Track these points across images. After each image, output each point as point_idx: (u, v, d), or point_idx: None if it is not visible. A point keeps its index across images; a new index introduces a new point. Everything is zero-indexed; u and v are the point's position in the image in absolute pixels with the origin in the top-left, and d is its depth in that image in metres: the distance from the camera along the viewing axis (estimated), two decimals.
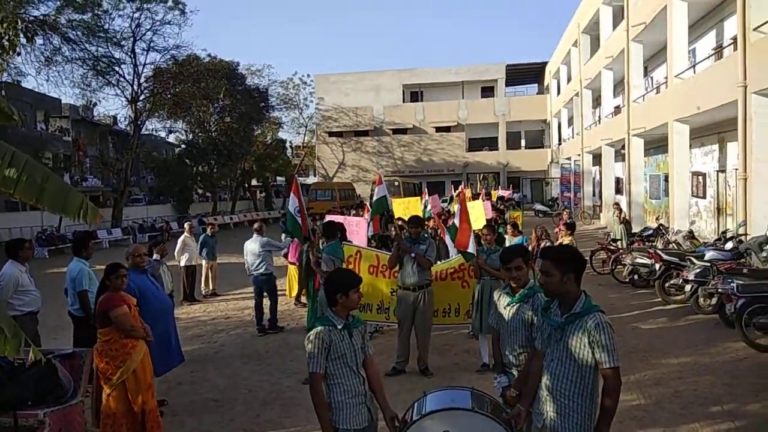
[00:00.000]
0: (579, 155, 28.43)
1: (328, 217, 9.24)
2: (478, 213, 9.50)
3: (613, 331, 2.89)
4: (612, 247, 12.81)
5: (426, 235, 7.10)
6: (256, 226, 9.77)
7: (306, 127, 45.58)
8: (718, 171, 16.46)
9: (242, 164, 38.70)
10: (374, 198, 8.30)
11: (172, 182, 34.81)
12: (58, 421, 4.88)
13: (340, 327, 3.27)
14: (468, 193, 19.72)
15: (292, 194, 7.53)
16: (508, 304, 3.68)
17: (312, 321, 6.49)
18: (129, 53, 27.72)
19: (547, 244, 8.06)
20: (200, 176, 38.04)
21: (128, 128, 31.94)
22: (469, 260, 6.89)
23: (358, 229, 8.36)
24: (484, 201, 13.44)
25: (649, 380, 6.15)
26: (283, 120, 44.80)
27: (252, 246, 9.20)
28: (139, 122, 29.43)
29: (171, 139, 43.75)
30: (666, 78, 16.76)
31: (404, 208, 11.11)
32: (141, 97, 28.93)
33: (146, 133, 36.11)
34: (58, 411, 4.90)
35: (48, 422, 4.75)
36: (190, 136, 37.46)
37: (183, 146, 38.99)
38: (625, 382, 6.09)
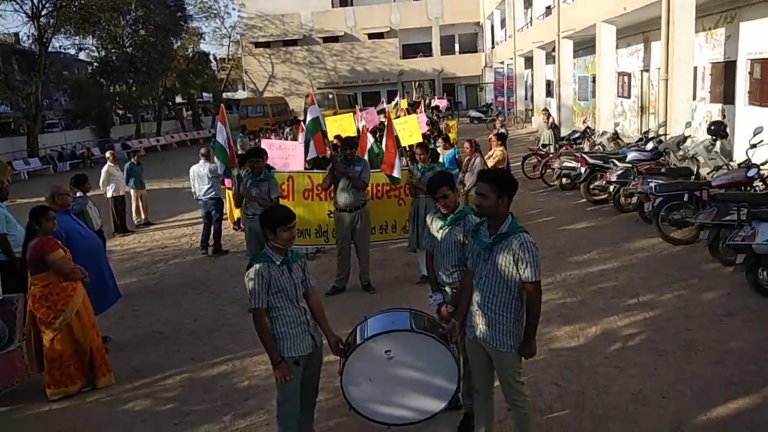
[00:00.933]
0: (512, 59, 28.43)
1: (264, 143, 8.94)
2: (413, 128, 9.44)
3: (536, 249, 3.07)
4: (542, 153, 13.20)
5: (360, 157, 7.06)
6: (202, 151, 9.63)
7: (230, 38, 42.98)
8: (642, 70, 16.95)
9: (164, 81, 36.39)
10: (307, 119, 8.05)
11: (88, 104, 32.42)
12: None
13: (278, 263, 3.30)
14: (404, 103, 19.56)
15: (219, 123, 7.27)
16: (440, 228, 3.78)
17: (252, 253, 6.48)
18: None
19: (478, 156, 8.20)
20: (118, 96, 35.63)
21: (33, 47, 29.03)
22: (395, 183, 6.99)
23: (294, 153, 8.18)
24: (420, 113, 13.38)
25: (574, 279, 6.61)
26: (203, 31, 42.03)
27: (200, 171, 9.15)
28: (44, 40, 26.75)
29: (82, 56, 40.28)
30: None
31: (338, 126, 10.88)
32: (43, 12, 26.12)
33: (54, 51, 32.95)
34: None
35: None
36: (103, 53, 34.57)
37: (96, 65, 36.03)
38: (553, 282, 6.58)
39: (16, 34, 38.63)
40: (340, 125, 11.06)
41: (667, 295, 5.92)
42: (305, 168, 8.16)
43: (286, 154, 8.12)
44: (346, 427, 4.00)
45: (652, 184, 7.70)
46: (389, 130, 7.20)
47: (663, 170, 8.52)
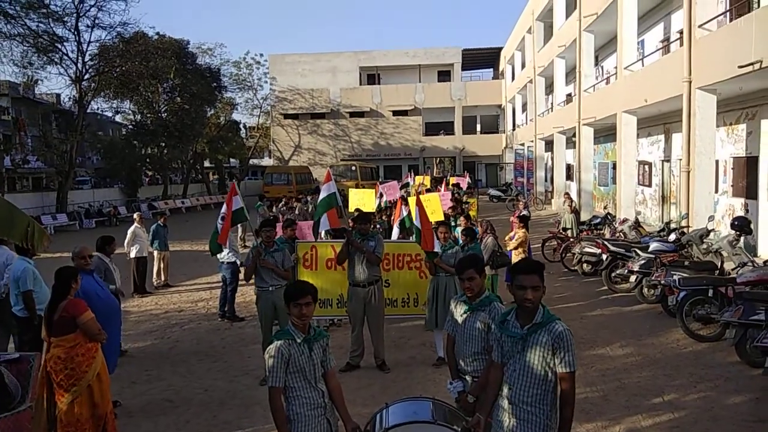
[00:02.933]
0: (532, 141, 29.00)
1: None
2: (435, 206, 9.57)
3: (572, 338, 3.01)
4: (562, 236, 13.19)
5: (376, 230, 7.15)
6: None
7: (260, 108, 44.65)
8: (663, 160, 17.14)
9: (194, 146, 37.66)
10: (321, 196, 8.11)
11: (119, 164, 33.52)
12: (6, 429, 4.72)
13: (299, 341, 3.27)
14: (426, 180, 19.93)
15: (225, 202, 7.15)
16: (464, 312, 3.76)
17: (264, 327, 6.44)
18: (72, 30, 26.33)
19: (490, 236, 8.23)
20: (149, 158, 36.80)
21: (72, 108, 30.48)
22: (432, 259, 7.02)
23: (310, 231, 8.31)
24: (446, 192, 13.61)
25: (596, 372, 6.42)
26: (236, 101, 43.73)
27: None
28: (84, 102, 28.13)
29: (118, 119, 42.09)
30: (616, 68, 17.23)
31: (359, 199, 11.10)
32: (86, 76, 27.61)
33: (91, 112, 34.54)
34: (5, 418, 4.74)
35: None
36: (138, 117, 36.10)
37: (131, 127, 37.57)
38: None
39: (58, 95, 40.79)
40: (361, 199, 11.27)
41: (693, 396, 5.70)
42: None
43: (302, 234, 8.19)
44: None
45: (675, 277, 7.60)
46: (422, 211, 7.19)
47: (686, 263, 8.42)
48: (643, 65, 15.63)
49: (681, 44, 12.35)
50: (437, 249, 6.76)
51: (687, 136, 11.56)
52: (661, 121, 16.65)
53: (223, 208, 7.09)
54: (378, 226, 10.51)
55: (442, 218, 9.07)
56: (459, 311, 3.81)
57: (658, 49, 16.41)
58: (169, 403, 5.91)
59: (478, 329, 3.66)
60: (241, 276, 9.98)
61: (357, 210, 10.03)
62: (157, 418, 5.51)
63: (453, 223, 9.70)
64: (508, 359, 3.15)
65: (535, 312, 3.06)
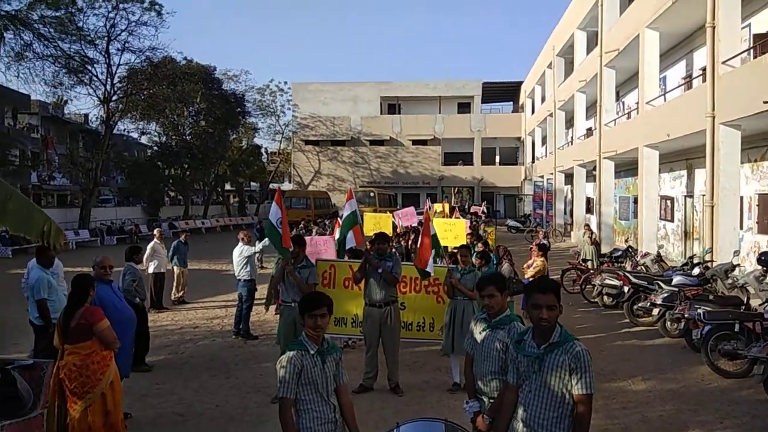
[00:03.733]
0: (552, 174, 28.90)
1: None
2: (459, 230, 9.56)
3: (591, 359, 2.91)
4: (582, 267, 13.00)
5: (393, 251, 7.13)
6: (240, 234, 9.99)
7: (282, 134, 45.32)
8: (685, 196, 16.91)
9: (216, 169, 38.22)
10: (345, 213, 8.20)
11: (143, 184, 34.14)
12: None
13: (312, 352, 3.21)
14: (446, 207, 19.90)
15: (274, 204, 7.26)
16: (483, 330, 3.68)
17: (284, 344, 6.39)
18: (103, 53, 27.19)
19: (506, 263, 8.15)
20: (172, 179, 37.40)
21: (99, 128, 31.25)
22: (424, 278, 7.08)
23: (326, 248, 8.33)
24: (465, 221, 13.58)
25: (617, 405, 6.22)
26: (259, 126, 44.51)
27: (237, 252, 9.52)
28: (111, 122, 28.83)
29: (143, 140, 43.00)
30: (637, 103, 17.20)
31: (375, 223, 11.12)
32: (114, 98, 28.37)
33: (118, 133, 35.37)
34: (16, 423, 4.71)
35: None
36: (164, 139, 36.84)
37: (156, 148, 38.33)
38: (594, 406, 6.18)
39: (86, 115, 41.87)
40: (377, 223, 11.29)
41: None
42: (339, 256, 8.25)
43: (317, 249, 8.24)
44: None
45: (700, 311, 7.40)
46: (426, 227, 7.27)
47: (711, 297, 8.22)
48: (665, 100, 15.58)
49: (704, 80, 12.32)
50: (429, 269, 6.85)
51: (711, 171, 11.41)
52: (684, 156, 16.49)
53: (276, 211, 6.76)
54: (394, 250, 10.48)
55: (464, 242, 9.02)
56: (478, 329, 3.73)
57: (680, 85, 16.37)
58: (180, 417, 5.84)
59: (496, 348, 3.57)
60: (258, 294, 10.03)
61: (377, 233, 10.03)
62: None
63: (472, 251, 9.64)
64: (523, 380, 3.06)
65: (552, 331, 2.98)
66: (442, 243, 9.19)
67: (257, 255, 15.66)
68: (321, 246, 8.28)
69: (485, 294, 3.64)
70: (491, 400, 3.53)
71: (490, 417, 3.40)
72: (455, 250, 8.11)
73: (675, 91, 16.06)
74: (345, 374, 3.40)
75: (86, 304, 4.71)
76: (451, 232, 9.54)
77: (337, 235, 9.55)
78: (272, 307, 9.21)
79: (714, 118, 11.20)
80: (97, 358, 4.64)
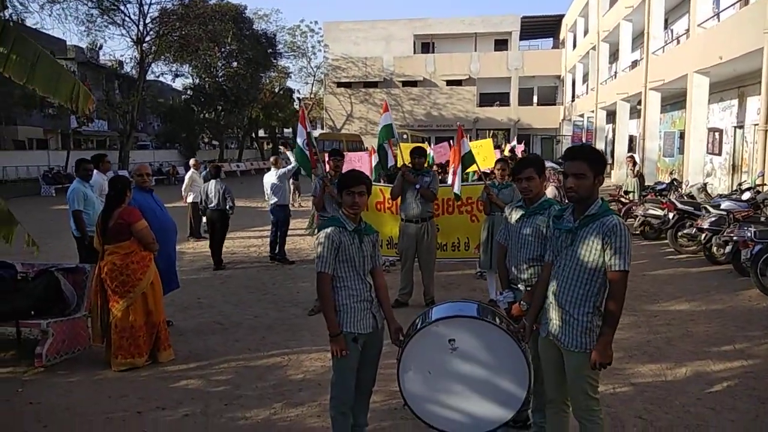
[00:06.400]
0: (593, 112, 27.87)
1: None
2: (487, 152, 9.27)
3: (629, 234, 2.72)
4: (624, 200, 12.59)
5: (429, 168, 6.97)
6: (272, 159, 9.90)
7: (314, 76, 44.75)
8: (735, 127, 16.04)
9: (249, 112, 38.19)
10: (380, 125, 7.94)
11: (178, 128, 34.51)
12: (62, 333, 4.86)
13: (350, 230, 3.15)
14: (485, 143, 19.40)
15: (299, 125, 7.16)
16: (520, 217, 3.50)
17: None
18: None
19: (551, 185, 7.84)
20: (207, 122, 37.63)
21: (134, 71, 31.39)
22: (457, 200, 7.07)
23: (360, 164, 8.18)
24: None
25: (660, 321, 6.05)
26: (290, 69, 44.02)
27: (268, 178, 9.38)
28: (145, 64, 28.87)
29: (177, 85, 43.14)
30: (687, 29, 16.15)
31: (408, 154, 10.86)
32: (147, 39, 28.29)
33: (152, 78, 35.53)
34: (61, 322, 4.87)
35: (51, 332, 4.72)
36: (197, 81, 36.85)
37: (189, 93, 38.44)
38: (636, 321, 6.05)
39: (120, 62, 42.08)
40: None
41: (767, 346, 5.28)
42: (374, 178, 8.10)
43: (351, 166, 8.09)
44: (401, 429, 3.69)
45: (751, 230, 7.06)
46: (458, 144, 7.04)
47: (763, 219, 7.83)
48: (718, 21, 14.54)
49: None
50: (456, 190, 6.81)
51: (766, 92, 10.69)
52: (736, 84, 15.52)
53: (301, 131, 6.66)
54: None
55: (492, 165, 8.74)
56: (514, 216, 3.55)
57: (735, 3, 15.21)
58: (220, 325, 5.95)
59: (534, 234, 3.39)
60: (293, 221, 10.08)
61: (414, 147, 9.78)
62: (207, 337, 5.55)
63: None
64: (557, 255, 2.90)
65: (591, 205, 2.78)
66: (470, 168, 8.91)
67: (292, 194, 15.76)
68: (355, 163, 8.15)
69: (523, 176, 3.45)
70: (528, 288, 3.40)
71: (528, 303, 3.28)
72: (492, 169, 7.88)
73: (729, 10, 14.94)
74: (381, 257, 3.35)
75: (124, 205, 4.73)
76: (480, 154, 9.21)
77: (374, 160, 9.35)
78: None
79: None
80: (137, 258, 4.69)
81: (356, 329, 3.12)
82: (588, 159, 2.77)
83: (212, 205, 8.84)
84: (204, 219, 11.93)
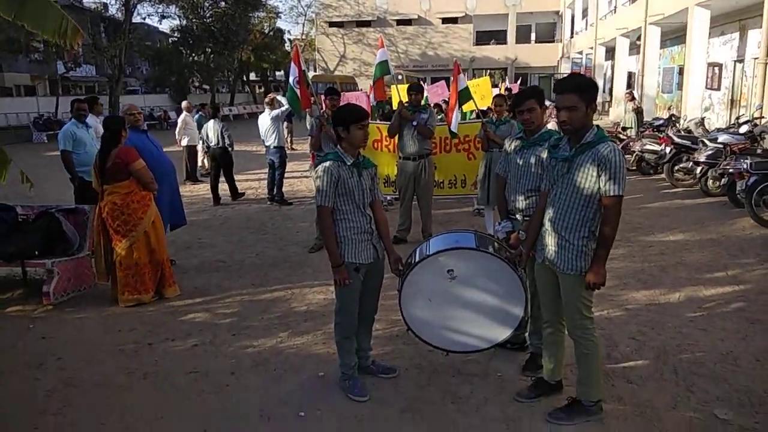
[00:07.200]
0: (591, 48, 27.33)
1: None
2: (485, 90, 9.16)
3: (624, 161, 2.75)
4: (622, 136, 12.53)
5: (426, 105, 6.89)
6: (267, 99, 9.69)
7: (305, 16, 43.42)
8: (735, 60, 15.80)
9: (239, 54, 37.23)
10: (375, 61, 7.78)
11: (167, 71, 33.68)
12: (67, 272, 4.93)
13: (349, 163, 3.16)
14: (482, 81, 19.10)
15: (292, 63, 7.00)
16: (519, 148, 3.51)
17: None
18: None
19: (552, 121, 7.79)
20: (196, 65, 36.73)
21: (119, 13, 30.36)
22: (454, 138, 7.09)
23: (357, 103, 8.05)
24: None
25: (655, 251, 6.17)
26: (280, 9, 42.64)
27: (263, 119, 9.21)
28: (130, 5, 27.90)
29: (164, 27, 41.90)
30: None
31: (404, 95, 10.68)
32: None
33: (138, 21, 34.34)
34: (66, 262, 4.94)
35: (57, 271, 4.79)
36: (184, 22, 35.70)
37: (177, 35, 37.30)
38: (630, 251, 6.17)
39: (105, 3, 40.59)
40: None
41: (759, 272, 5.41)
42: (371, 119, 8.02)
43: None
44: (403, 353, 3.83)
45: (747, 161, 7.09)
46: (454, 81, 6.94)
47: (759, 151, 7.85)
48: None
49: None
50: (453, 129, 6.79)
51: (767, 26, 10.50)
52: (737, 17, 15.17)
53: (293, 70, 6.61)
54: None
55: (490, 104, 8.65)
56: (513, 147, 3.56)
57: None
58: (222, 263, 6.04)
59: (534, 163, 3.41)
60: (290, 164, 10.04)
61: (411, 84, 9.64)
62: (211, 275, 5.65)
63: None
64: (554, 184, 2.94)
65: (586, 133, 2.79)
66: (467, 107, 8.81)
67: (287, 137, 15.58)
68: (353, 101, 8.05)
69: (525, 108, 3.43)
70: (527, 218, 3.45)
71: (526, 232, 3.34)
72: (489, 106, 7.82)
73: None
74: (379, 190, 3.39)
75: (120, 145, 4.71)
76: (477, 93, 9.08)
77: (372, 97, 9.21)
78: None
79: None
80: (137, 197, 4.71)
81: (358, 260, 3.19)
82: (578, 90, 2.76)
83: (213, 143, 9.26)
84: (200, 162, 11.95)
